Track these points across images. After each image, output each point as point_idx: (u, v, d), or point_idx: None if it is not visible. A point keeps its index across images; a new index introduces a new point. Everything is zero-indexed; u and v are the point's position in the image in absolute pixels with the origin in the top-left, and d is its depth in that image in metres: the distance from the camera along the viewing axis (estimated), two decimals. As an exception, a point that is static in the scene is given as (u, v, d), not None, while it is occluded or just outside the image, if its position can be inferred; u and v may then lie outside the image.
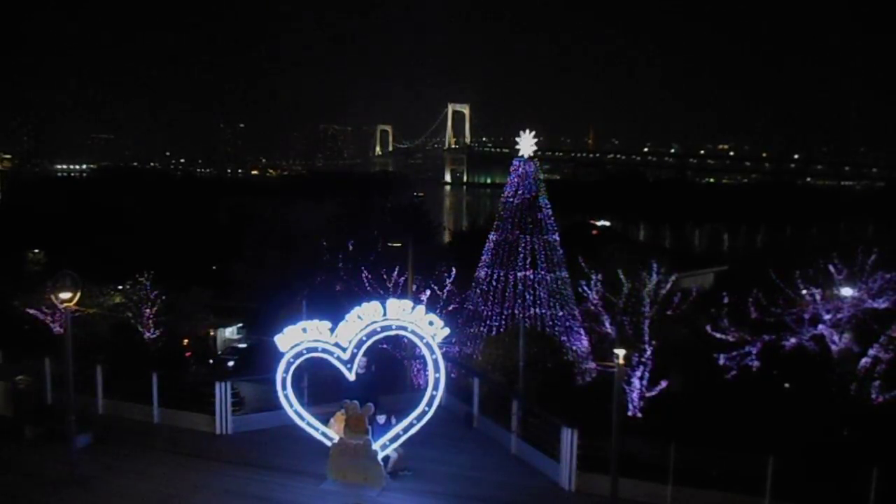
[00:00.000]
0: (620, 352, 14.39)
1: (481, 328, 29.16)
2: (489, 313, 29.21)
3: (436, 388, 15.15)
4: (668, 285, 25.11)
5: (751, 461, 14.38)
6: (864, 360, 22.70)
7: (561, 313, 29.13)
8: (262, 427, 18.35)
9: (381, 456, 15.37)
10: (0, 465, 15.93)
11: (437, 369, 15.08)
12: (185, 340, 34.81)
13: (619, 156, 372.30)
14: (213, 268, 47.47)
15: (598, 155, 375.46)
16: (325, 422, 15.99)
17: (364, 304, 15.39)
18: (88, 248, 48.32)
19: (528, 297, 29.07)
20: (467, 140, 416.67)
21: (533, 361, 24.89)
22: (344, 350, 15.24)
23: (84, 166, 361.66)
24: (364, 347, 15.30)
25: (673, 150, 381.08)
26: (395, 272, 29.82)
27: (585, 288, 26.01)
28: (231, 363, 33.97)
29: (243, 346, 37.05)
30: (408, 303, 15.41)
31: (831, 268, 24.36)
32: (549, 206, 30.10)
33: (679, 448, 14.64)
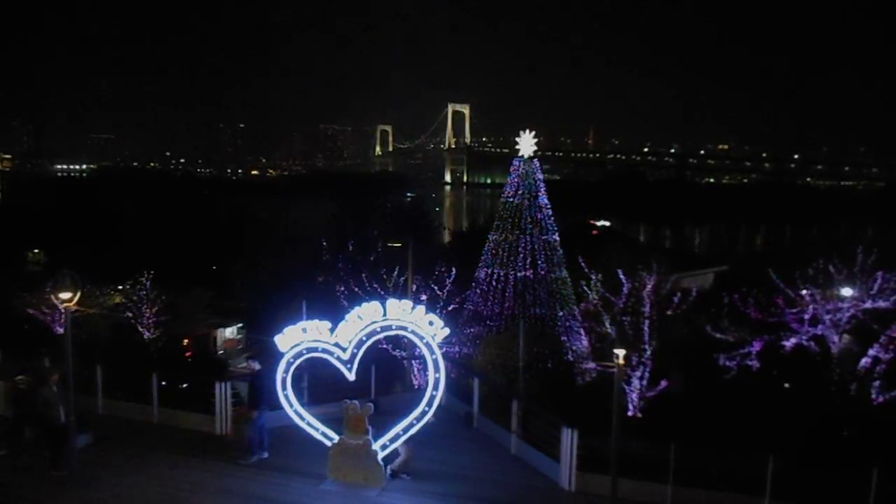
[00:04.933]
0: (620, 352, 14.39)
1: (481, 328, 29.14)
2: (489, 313, 29.20)
3: (436, 388, 15.15)
4: (668, 285, 25.09)
5: (751, 461, 14.37)
6: (864, 360, 22.69)
7: (561, 313, 29.11)
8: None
9: (381, 456, 15.36)
10: (0, 465, 15.92)
11: (437, 369, 15.07)
12: (185, 340, 34.80)
13: (619, 156, 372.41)
14: (213, 268, 47.49)
15: (598, 155, 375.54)
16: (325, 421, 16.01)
17: (364, 305, 15.39)
18: (88, 248, 48.34)
19: (528, 297, 29.05)
20: (467, 140, 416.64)
21: (533, 361, 24.88)
22: (344, 350, 15.23)
23: (84, 166, 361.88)
24: (364, 347, 15.29)
25: (673, 150, 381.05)
26: (395, 272, 29.80)
27: (585, 288, 25.98)
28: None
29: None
30: (408, 303, 15.40)
31: (831, 268, 24.36)
32: (549, 206, 30.07)
33: (679, 448, 14.63)
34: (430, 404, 15.20)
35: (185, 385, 20.55)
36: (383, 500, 14.84)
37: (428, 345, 15.06)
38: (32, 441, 17.10)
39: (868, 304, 23.58)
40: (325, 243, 42.74)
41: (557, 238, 30.04)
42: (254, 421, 16.55)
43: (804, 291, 24.51)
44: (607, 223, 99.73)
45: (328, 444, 15.66)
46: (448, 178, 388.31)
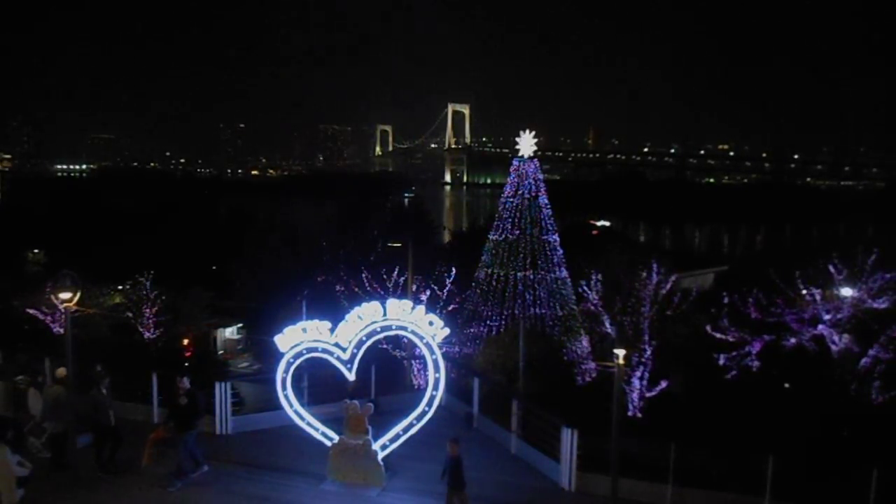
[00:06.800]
0: (620, 352, 14.38)
1: (481, 328, 29.14)
2: (489, 313, 29.20)
3: (436, 388, 15.14)
4: (668, 285, 25.08)
5: (751, 461, 14.37)
6: (864, 360, 22.69)
7: (561, 313, 29.11)
8: (262, 427, 18.34)
9: (381, 456, 15.35)
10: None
11: (437, 369, 15.07)
12: (185, 340, 34.77)
13: (619, 156, 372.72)
14: (213, 268, 47.44)
15: (598, 155, 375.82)
16: (325, 421, 15.99)
17: (364, 305, 15.37)
18: (88, 248, 48.34)
19: (528, 297, 29.06)
20: (467, 140, 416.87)
21: (533, 361, 24.87)
22: (344, 350, 15.22)
23: (84, 166, 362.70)
24: (364, 347, 15.28)
25: (673, 150, 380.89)
26: (395, 272, 29.79)
27: (585, 288, 25.97)
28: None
29: None
30: (408, 303, 15.39)
31: (831, 268, 24.35)
32: (549, 206, 30.07)
33: (679, 448, 14.63)
34: (430, 404, 15.20)
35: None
36: (383, 500, 14.83)
37: (428, 345, 15.05)
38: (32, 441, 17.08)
39: (868, 304, 23.57)
40: (324, 243, 42.75)
41: (557, 238, 30.04)
42: (185, 443, 15.33)
43: (804, 291, 24.50)
44: (607, 223, 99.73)
45: (328, 444, 15.65)
46: (448, 178, 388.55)
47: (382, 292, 28.49)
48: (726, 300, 24.72)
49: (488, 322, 29.06)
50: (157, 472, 15.50)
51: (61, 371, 16.20)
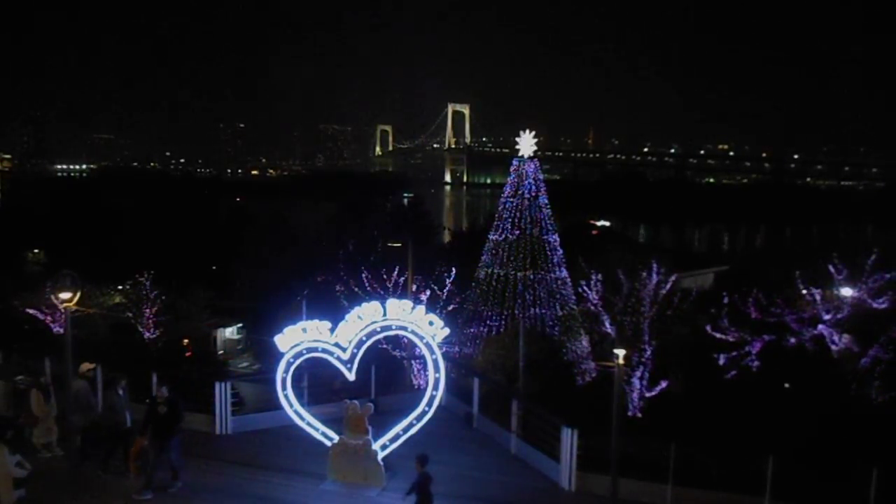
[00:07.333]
0: (620, 352, 14.37)
1: (481, 328, 29.16)
2: (489, 313, 29.21)
3: (436, 388, 15.13)
4: (668, 285, 25.10)
5: (751, 461, 14.37)
6: (864, 360, 22.71)
7: (561, 313, 29.13)
8: (262, 427, 18.32)
9: (381, 456, 15.35)
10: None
11: (437, 369, 15.06)
12: (185, 340, 34.82)
13: (619, 156, 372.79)
14: (213, 268, 47.49)
15: (598, 155, 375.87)
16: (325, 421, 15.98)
17: (364, 305, 15.37)
18: (88, 248, 48.35)
19: (528, 297, 29.08)
20: (467, 140, 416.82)
21: (533, 361, 24.90)
22: (344, 350, 15.21)
23: (84, 166, 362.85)
24: (364, 347, 15.27)
25: (673, 150, 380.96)
26: (395, 272, 29.80)
27: (585, 288, 26.00)
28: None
29: None
30: (408, 303, 15.37)
31: (831, 268, 24.37)
32: (548, 206, 30.09)
33: (679, 448, 14.63)
34: (430, 404, 15.19)
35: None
36: (383, 500, 14.82)
37: (428, 345, 15.04)
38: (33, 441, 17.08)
39: (868, 304, 23.60)
40: (324, 243, 42.80)
41: (557, 238, 30.06)
42: (173, 448, 14.90)
43: (804, 291, 24.55)
44: (607, 223, 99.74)
45: (328, 444, 15.65)
46: (448, 178, 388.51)
47: (382, 292, 28.50)
48: (726, 300, 24.74)
49: (488, 322, 29.07)
50: (154, 475, 15.47)
51: (84, 366, 16.36)
